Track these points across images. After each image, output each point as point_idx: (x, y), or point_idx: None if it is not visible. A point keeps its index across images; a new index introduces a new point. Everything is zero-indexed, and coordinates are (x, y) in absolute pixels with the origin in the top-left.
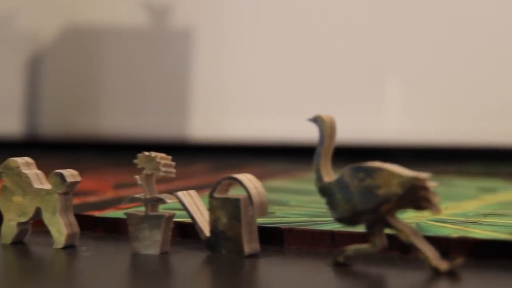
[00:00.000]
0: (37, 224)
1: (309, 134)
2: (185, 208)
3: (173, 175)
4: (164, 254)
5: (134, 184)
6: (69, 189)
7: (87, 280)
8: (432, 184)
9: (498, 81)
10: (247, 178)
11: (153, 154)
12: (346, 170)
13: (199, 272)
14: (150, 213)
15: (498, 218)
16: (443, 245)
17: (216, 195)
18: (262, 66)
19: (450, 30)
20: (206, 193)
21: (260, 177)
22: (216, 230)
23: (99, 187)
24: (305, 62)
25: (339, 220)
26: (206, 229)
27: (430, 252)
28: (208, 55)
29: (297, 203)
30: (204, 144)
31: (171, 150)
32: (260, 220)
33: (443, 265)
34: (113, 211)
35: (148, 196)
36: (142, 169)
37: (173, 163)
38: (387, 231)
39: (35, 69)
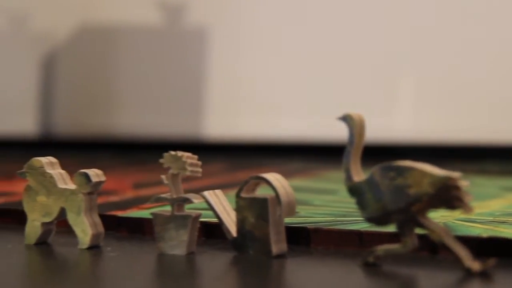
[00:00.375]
0: (60, 224)
1: (324, 132)
2: (211, 208)
3: (200, 175)
4: (190, 255)
5: (154, 184)
6: (94, 189)
7: (114, 281)
8: (464, 183)
9: None
10: (274, 178)
11: (179, 153)
12: (376, 169)
13: (227, 273)
14: (176, 213)
15: None
16: (474, 245)
17: (243, 194)
18: (276, 64)
19: (464, 28)
20: (226, 192)
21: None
22: (243, 230)
23: (119, 187)
24: (319, 60)
25: (369, 220)
26: (232, 229)
27: (462, 252)
28: (222, 54)
29: (321, 202)
30: (219, 143)
31: (186, 149)
32: (286, 220)
33: (475, 265)
34: (136, 211)
35: (174, 196)
36: (168, 168)
37: (199, 163)
38: (417, 231)
39: (49, 69)
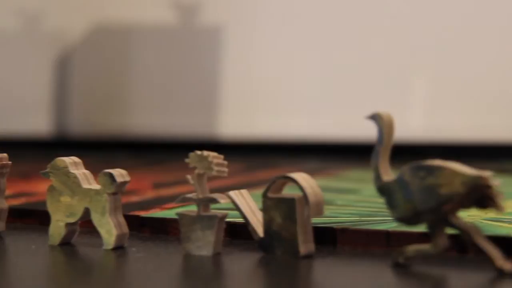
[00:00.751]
0: (83, 224)
1: (340, 131)
2: (237, 208)
3: (225, 174)
4: (216, 255)
5: (173, 183)
6: (118, 189)
7: (141, 282)
8: (495, 183)
9: None
10: (302, 177)
11: (205, 153)
12: (406, 169)
13: (254, 274)
14: (202, 213)
15: None
16: (504, 244)
17: (269, 194)
18: (292, 63)
19: (478, 26)
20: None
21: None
22: (270, 231)
23: (139, 187)
24: (334, 59)
25: (399, 220)
26: (259, 230)
27: (494, 252)
28: (238, 52)
29: (344, 202)
30: (235, 142)
31: (202, 149)
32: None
33: (507, 265)
34: (159, 211)
35: (200, 196)
36: (194, 168)
37: (225, 162)
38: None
39: (64, 69)
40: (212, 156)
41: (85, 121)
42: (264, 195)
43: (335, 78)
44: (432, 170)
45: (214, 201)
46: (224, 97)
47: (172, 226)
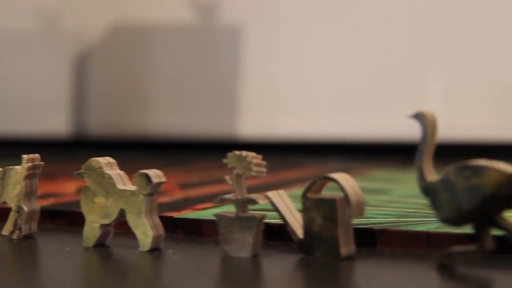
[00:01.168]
0: (116, 226)
1: (362, 131)
2: (276, 209)
3: (264, 175)
4: (255, 257)
5: (199, 184)
6: (154, 190)
7: (181, 285)
8: None
9: None
10: (342, 178)
11: (244, 153)
12: (451, 169)
13: (295, 276)
14: (240, 214)
15: None
16: None
17: (309, 195)
18: (311, 62)
19: (496, 26)
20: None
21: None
22: (310, 232)
23: (166, 187)
24: (353, 60)
25: (444, 220)
26: (298, 231)
27: None
28: (257, 52)
29: (376, 203)
30: (255, 142)
31: (221, 149)
32: None
33: None
34: (191, 212)
35: (239, 197)
36: (232, 168)
37: (264, 162)
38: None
39: (82, 69)
40: (251, 156)
41: (104, 121)
42: (304, 196)
43: (355, 77)
44: (477, 170)
45: (253, 202)
46: (243, 97)
47: (206, 227)
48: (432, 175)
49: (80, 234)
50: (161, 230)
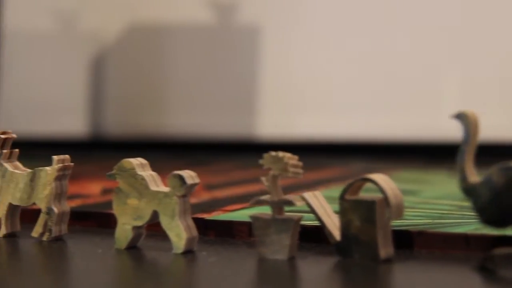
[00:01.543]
0: (147, 227)
1: (382, 131)
2: (312, 210)
3: (301, 176)
4: (292, 260)
5: (224, 185)
6: (188, 192)
7: None
8: None
9: None
10: (381, 179)
11: (281, 154)
12: (494, 170)
13: (333, 279)
14: (277, 216)
15: None
16: None
17: (347, 197)
18: (329, 62)
19: (510, 25)
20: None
21: (347, 177)
22: (348, 234)
23: None
24: (373, 59)
25: (486, 222)
26: (335, 233)
27: None
28: (276, 51)
29: (408, 204)
30: (273, 143)
31: (240, 150)
32: None
33: None
34: (221, 214)
35: (275, 199)
36: (269, 169)
37: (300, 163)
38: None
39: (99, 69)
40: (288, 157)
41: (121, 122)
42: (342, 198)
43: (375, 77)
44: None
45: (290, 203)
46: (262, 97)
47: (238, 229)
48: (474, 176)
49: (110, 236)
50: (195, 232)
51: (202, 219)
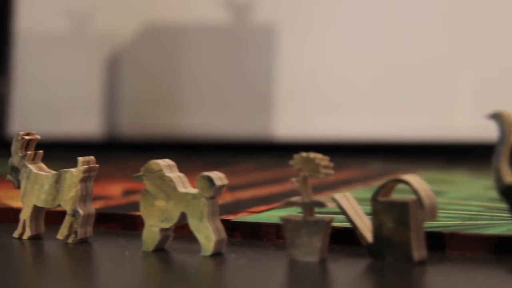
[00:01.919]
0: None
1: (400, 131)
2: (343, 212)
3: (332, 177)
4: (323, 262)
5: (245, 186)
6: (217, 193)
7: None
8: None
9: None
10: (415, 180)
11: (312, 155)
12: None
13: (366, 281)
14: (308, 218)
15: None
16: None
17: (379, 198)
18: (345, 62)
19: None
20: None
21: (367, 178)
22: (380, 236)
23: None
24: (391, 58)
25: None
26: (367, 235)
27: None
28: (292, 51)
29: None
30: (290, 143)
31: (256, 150)
32: None
33: None
34: (247, 215)
35: (306, 200)
36: (300, 170)
37: (331, 164)
38: None
39: (114, 70)
40: (319, 158)
41: (136, 122)
42: (374, 199)
43: (393, 76)
44: None
45: (321, 205)
46: (278, 97)
47: (266, 230)
48: (510, 177)
49: (135, 238)
50: (223, 234)
51: (228, 220)
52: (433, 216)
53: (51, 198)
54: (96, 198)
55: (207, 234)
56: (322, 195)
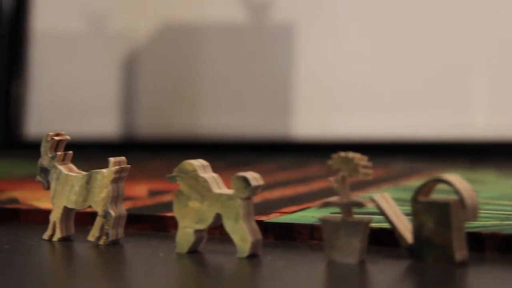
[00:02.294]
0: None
1: (420, 130)
2: (382, 212)
3: (370, 177)
4: (362, 263)
5: (271, 186)
6: (252, 194)
7: None
8: None
9: None
10: (456, 179)
11: (351, 154)
12: None
13: (407, 282)
14: (346, 218)
15: None
16: None
17: (420, 198)
18: (366, 60)
19: None
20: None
21: (393, 177)
22: (421, 237)
23: None
24: (411, 58)
25: None
26: (406, 236)
27: None
28: (311, 50)
29: None
30: (310, 143)
31: (275, 150)
32: None
33: None
34: (278, 216)
35: (345, 201)
36: (338, 170)
37: (370, 164)
38: None
39: (131, 69)
40: (358, 158)
41: (154, 122)
42: (414, 199)
43: (413, 75)
44: None
45: (360, 205)
46: (298, 96)
47: (299, 231)
48: None
49: (167, 240)
50: (259, 235)
51: (261, 221)
52: (474, 216)
53: (81, 199)
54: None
55: (243, 235)
56: (359, 197)
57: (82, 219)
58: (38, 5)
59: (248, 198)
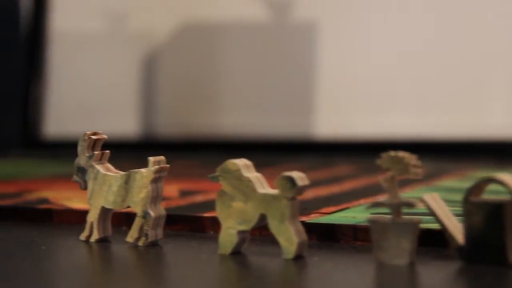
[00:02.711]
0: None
1: (443, 130)
2: (432, 213)
3: (420, 177)
4: (412, 265)
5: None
6: (298, 194)
7: None
8: None
9: None
10: (509, 179)
11: (401, 154)
12: None
13: (462, 285)
14: (396, 219)
15: None
16: None
17: (472, 198)
18: (387, 60)
19: None
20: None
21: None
22: (473, 237)
23: None
24: (433, 57)
25: None
26: (457, 236)
27: None
28: (333, 49)
29: None
30: (331, 143)
31: (297, 150)
32: None
33: None
34: (319, 216)
35: (395, 201)
36: (387, 170)
37: (420, 163)
38: None
39: (151, 69)
40: (408, 157)
41: (173, 122)
42: (466, 199)
43: (435, 75)
44: None
45: (410, 205)
46: (319, 96)
47: (342, 232)
48: None
49: (207, 241)
50: (304, 236)
51: (303, 222)
52: None
53: (120, 200)
54: None
55: (289, 237)
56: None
57: (117, 220)
58: (57, 5)
59: (293, 199)
